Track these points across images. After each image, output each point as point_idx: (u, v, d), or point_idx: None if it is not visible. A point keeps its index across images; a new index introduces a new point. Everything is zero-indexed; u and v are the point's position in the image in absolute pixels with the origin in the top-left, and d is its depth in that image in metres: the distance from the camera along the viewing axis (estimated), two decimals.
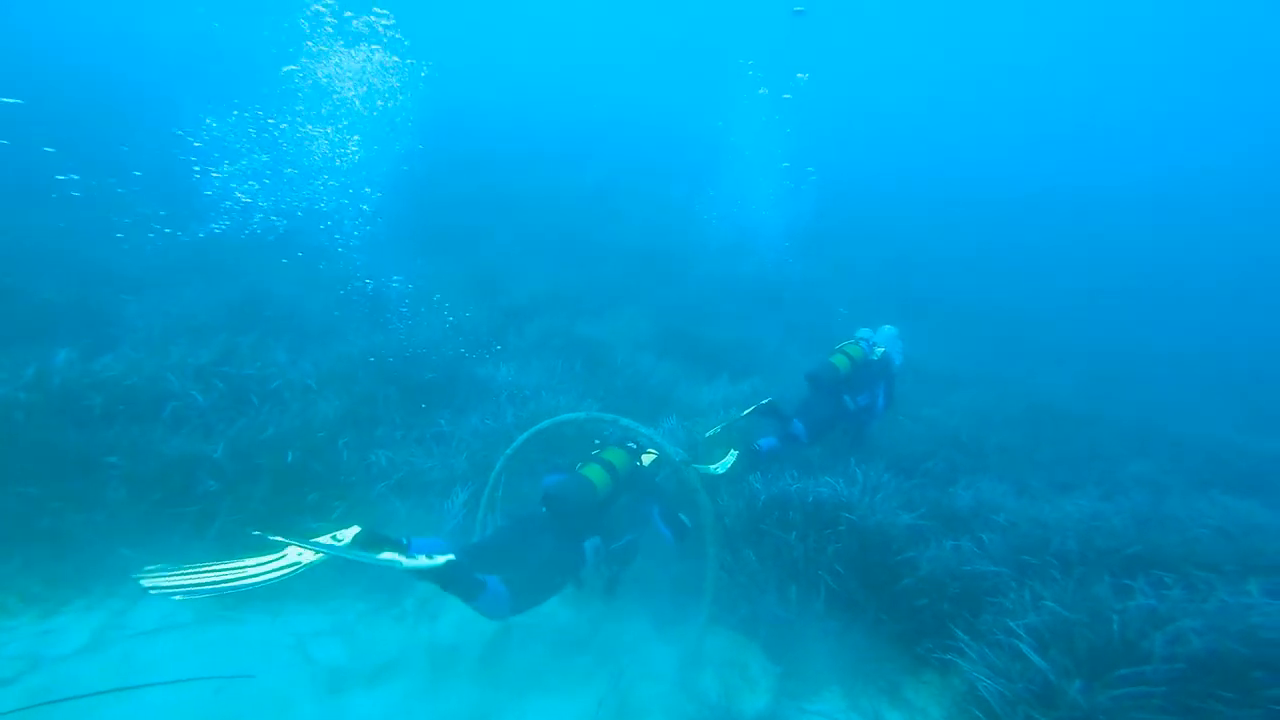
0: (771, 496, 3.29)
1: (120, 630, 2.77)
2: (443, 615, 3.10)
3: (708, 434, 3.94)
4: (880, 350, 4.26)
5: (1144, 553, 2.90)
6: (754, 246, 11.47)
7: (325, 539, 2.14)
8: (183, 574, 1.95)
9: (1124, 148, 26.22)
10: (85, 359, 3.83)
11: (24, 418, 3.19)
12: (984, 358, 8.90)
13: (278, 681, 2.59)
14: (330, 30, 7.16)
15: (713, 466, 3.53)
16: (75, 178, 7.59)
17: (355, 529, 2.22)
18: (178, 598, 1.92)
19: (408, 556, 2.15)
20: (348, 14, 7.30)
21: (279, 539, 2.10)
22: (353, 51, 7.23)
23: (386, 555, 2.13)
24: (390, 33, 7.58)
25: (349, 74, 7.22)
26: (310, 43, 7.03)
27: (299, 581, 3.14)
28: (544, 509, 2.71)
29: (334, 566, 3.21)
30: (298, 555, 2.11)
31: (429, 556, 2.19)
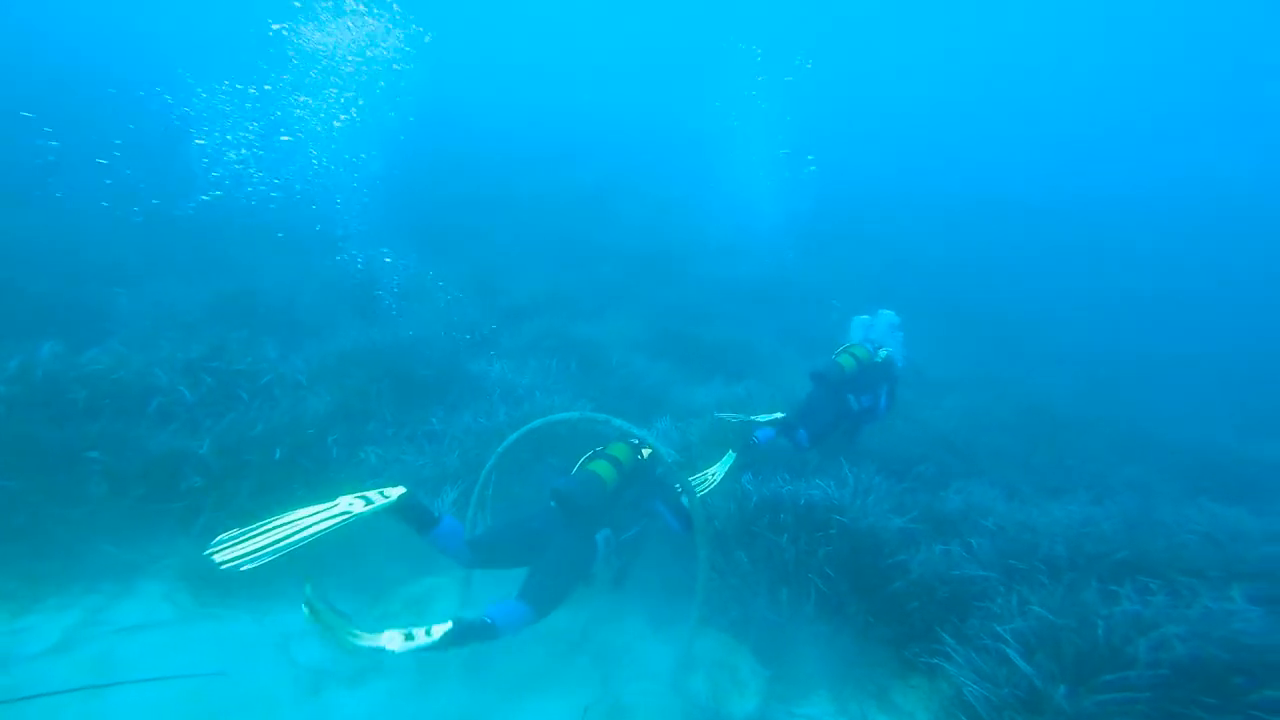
0: (763, 498, 3.29)
1: (98, 628, 2.72)
2: (430, 615, 3.07)
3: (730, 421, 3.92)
4: (885, 352, 4.34)
5: (1131, 558, 2.92)
6: (751, 247, 11.48)
7: (374, 494, 2.25)
8: (247, 538, 1.98)
9: (1123, 152, 26.40)
10: (72, 352, 3.78)
11: (4, 411, 3.14)
12: (980, 360, 8.95)
13: (260, 682, 2.55)
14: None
15: (709, 471, 3.54)
16: (54, 144, 7.35)
17: (401, 489, 2.35)
18: (246, 568, 1.92)
19: (432, 536, 2.39)
20: None
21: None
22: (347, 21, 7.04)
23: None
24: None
25: (341, 41, 7.02)
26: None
27: (283, 580, 3.14)
28: (554, 506, 2.76)
29: (322, 566, 3.22)
30: (349, 505, 2.18)
31: (445, 550, 2.45)
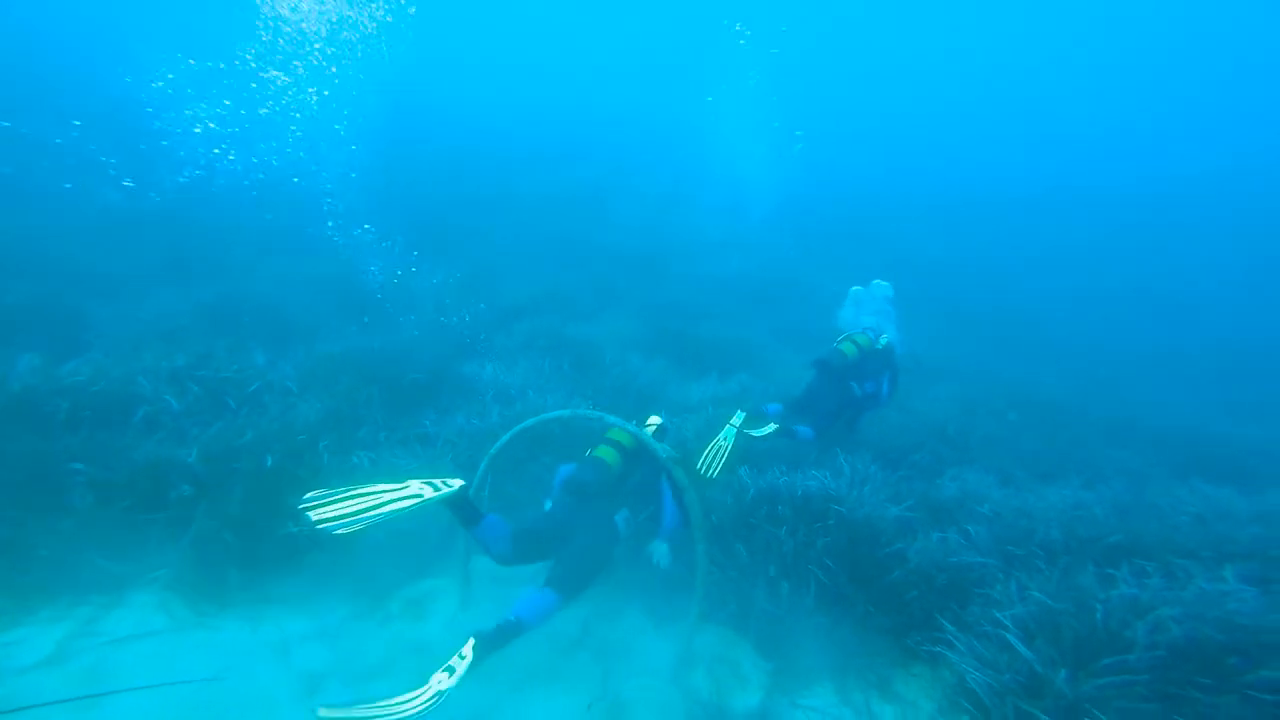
0: (760, 490, 3.28)
1: (91, 639, 2.67)
2: (430, 617, 3.05)
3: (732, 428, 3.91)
4: (885, 339, 4.39)
5: (1125, 541, 2.94)
6: (746, 240, 11.47)
7: (439, 482, 2.34)
8: (332, 502, 2.09)
9: (1117, 147, 26.63)
10: (50, 365, 3.69)
11: None
12: (973, 351, 9.02)
13: (258, 686, 2.52)
14: None
15: (718, 439, 3.65)
16: (6, 124, 7.11)
17: (460, 481, 2.44)
18: (339, 532, 2.03)
19: (478, 530, 2.51)
20: None
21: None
22: None
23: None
24: None
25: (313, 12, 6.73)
26: None
27: (280, 585, 3.11)
28: (568, 497, 2.88)
29: (318, 570, 3.18)
30: (419, 489, 2.25)
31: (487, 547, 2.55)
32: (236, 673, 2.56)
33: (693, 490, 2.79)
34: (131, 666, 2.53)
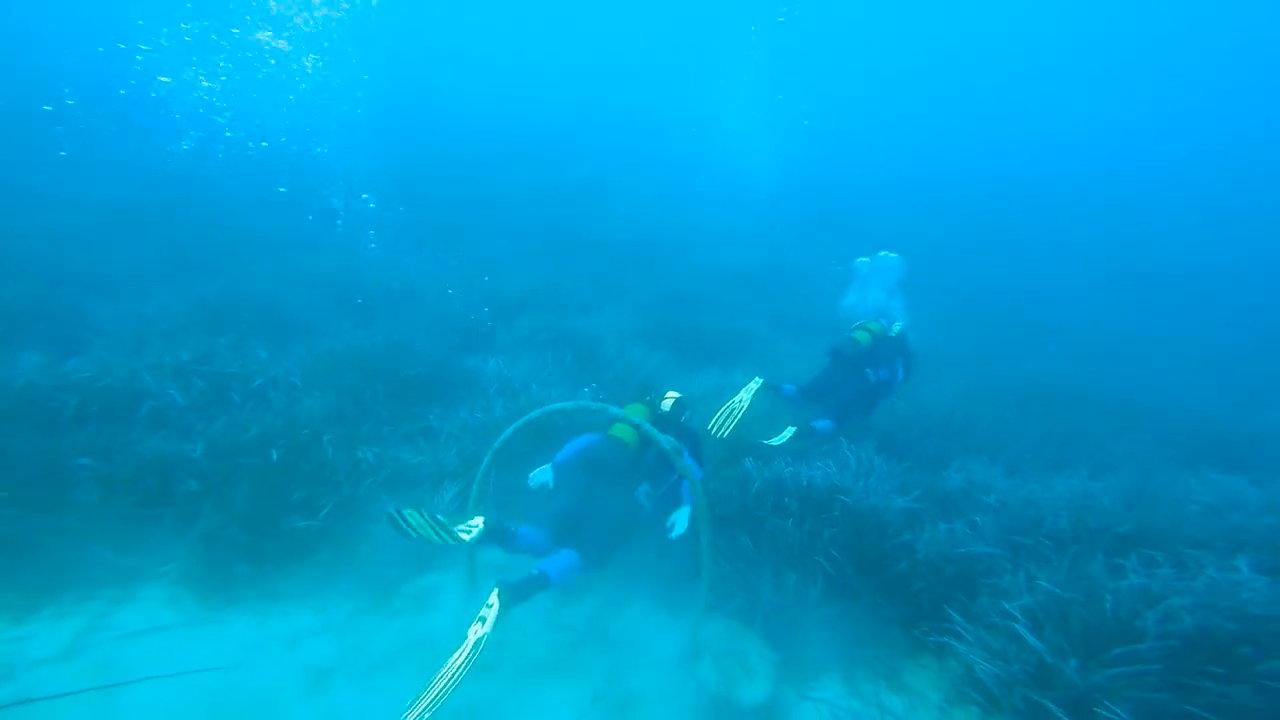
0: (766, 482, 3.27)
1: (102, 633, 2.69)
2: (436, 611, 3.05)
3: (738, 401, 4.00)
4: (898, 326, 4.42)
5: (1134, 531, 2.92)
6: (743, 235, 11.37)
7: (485, 610, 2.39)
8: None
9: (1119, 134, 26.29)
10: (53, 362, 3.69)
11: None
12: (977, 339, 8.95)
13: (268, 680, 2.54)
14: None
15: (737, 398, 3.73)
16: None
17: (478, 521, 2.61)
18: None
19: (517, 544, 2.71)
20: None
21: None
22: None
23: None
24: None
25: None
26: None
27: (287, 580, 3.12)
28: (586, 476, 2.97)
29: (324, 565, 3.19)
30: (476, 633, 2.34)
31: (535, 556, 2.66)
32: (246, 666, 2.58)
33: (698, 483, 2.78)
34: (143, 660, 2.55)
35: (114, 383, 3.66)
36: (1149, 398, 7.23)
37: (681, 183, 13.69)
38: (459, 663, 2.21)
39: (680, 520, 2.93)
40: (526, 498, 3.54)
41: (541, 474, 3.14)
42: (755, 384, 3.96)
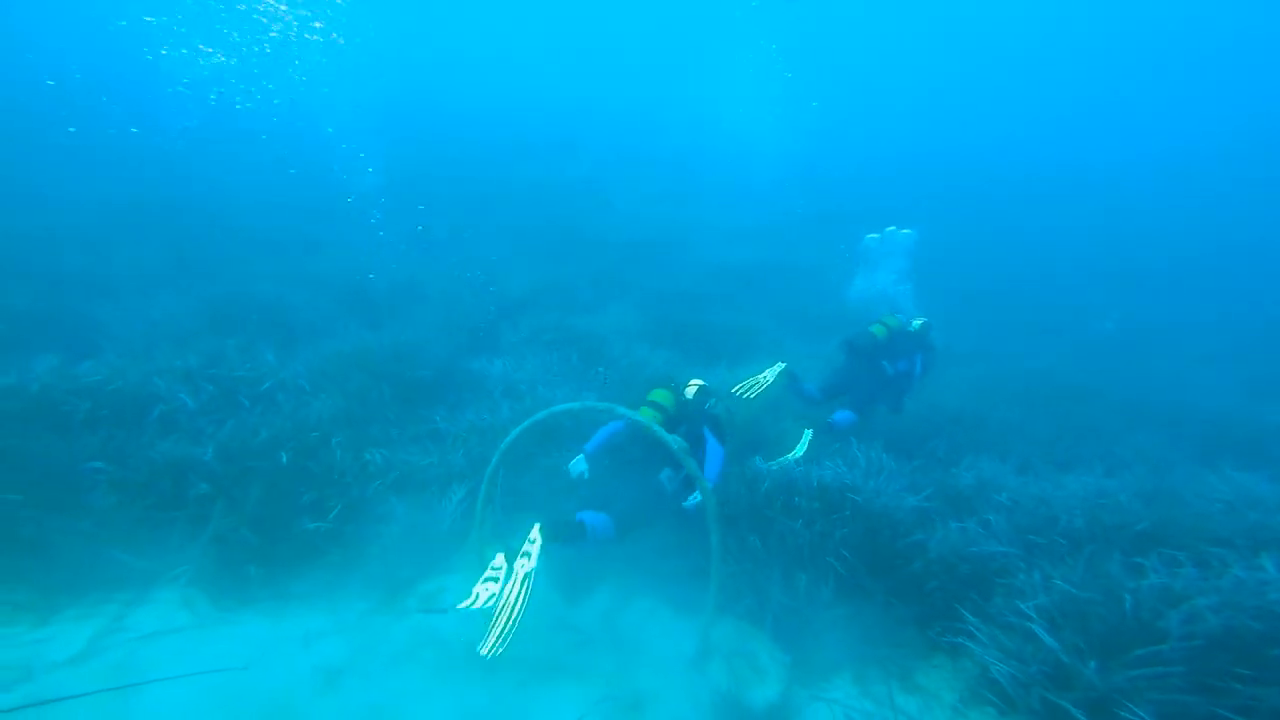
0: (775, 482, 3.24)
1: (118, 635, 2.72)
2: (446, 612, 3.05)
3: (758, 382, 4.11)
4: (919, 322, 4.37)
5: (1153, 529, 2.87)
6: (747, 230, 11.31)
7: (528, 545, 2.49)
8: (495, 622, 2.31)
9: (1126, 124, 25.96)
10: (66, 366, 3.73)
11: (2, 425, 3.10)
12: (985, 335, 8.86)
13: (281, 679, 2.55)
14: None
15: (791, 455, 3.74)
16: None
17: (536, 525, 2.59)
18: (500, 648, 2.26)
19: (590, 535, 2.68)
20: None
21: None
22: None
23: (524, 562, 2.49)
24: None
25: None
26: None
27: (299, 582, 3.14)
28: (611, 458, 3.11)
29: (335, 567, 3.21)
30: (524, 568, 2.45)
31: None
32: (260, 666, 2.59)
33: (705, 483, 2.76)
34: (159, 661, 2.57)
35: (125, 386, 3.70)
36: (1160, 393, 7.13)
37: (683, 179, 13.64)
38: (513, 595, 2.30)
39: (705, 493, 3.00)
40: (528, 498, 3.55)
41: (578, 464, 3.26)
42: (779, 366, 4.06)
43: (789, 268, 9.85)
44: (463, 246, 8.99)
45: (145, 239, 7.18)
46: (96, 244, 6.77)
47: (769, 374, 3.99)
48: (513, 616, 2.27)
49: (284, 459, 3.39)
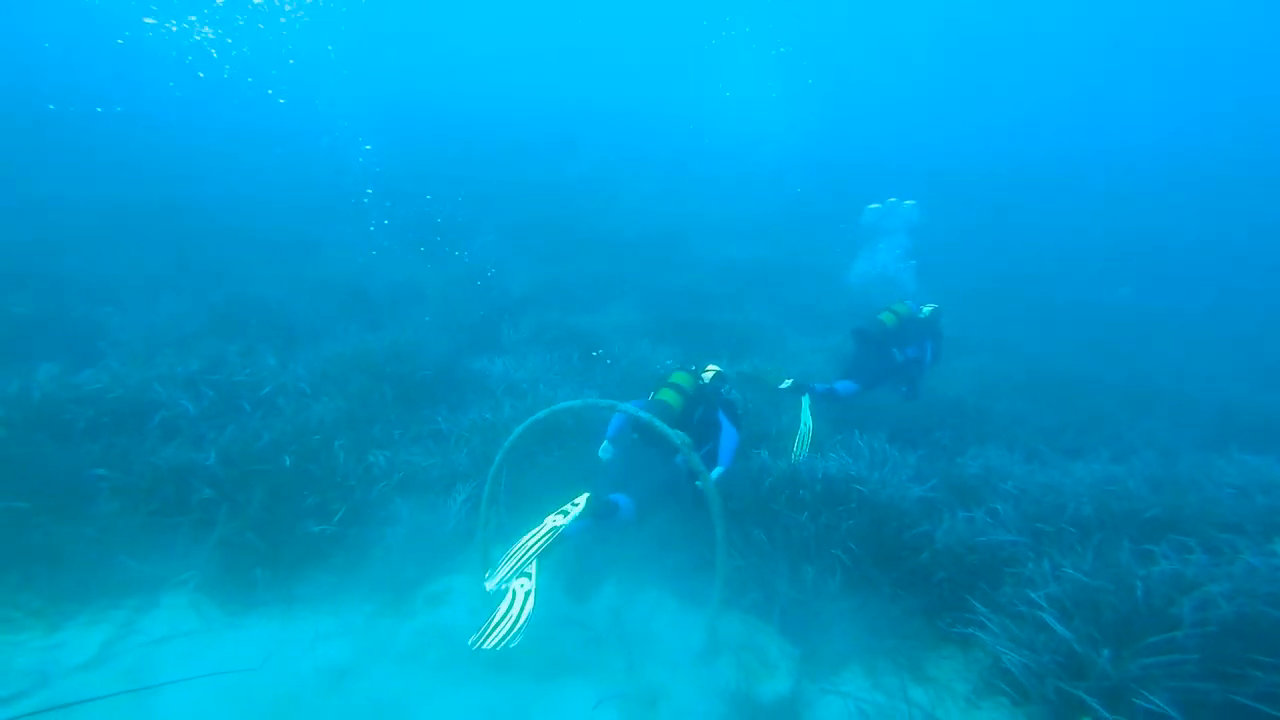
0: (780, 475, 3.23)
1: (129, 640, 2.73)
2: (452, 611, 3.05)
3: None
4: (929, 308, 4.40)
5: (1162, 515, 2.84)
6: (746, 228, 11.26)
7: (569, 507, 2.66)
8: (506, 562, 2.47)
9: (1125, 111, 25.75)
10: (67, 373, 3.73)
11: (5, 434, 3.10)
12: (989, 324, 8.81)
13: (290, 682, 2.55)
14: None
15: (799, 430, 3.83)
16: None
17: (586, 495, 2.77)
18: (509, 582, 2.42)
19: (621, 513, 2.86)
20: None
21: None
22: None
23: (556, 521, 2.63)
24: None
25: None
26: None
27: (305, 584, 3.14)
28: (630, 436, 3.19)
29: (341, 569, 3.20)
30: (554, 523, 2.59)
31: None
32: (269, 668, 2.59)
33: (708, 477, 2.74)
34: (170, 665, 2.59)
35: (126, 393, 3.69)
36: (1166, 380, 7.08)
37: (683, 176, 13.57)
38: (537, 538, 2.41)
39: (717, 474, 3.08)
40: (530, 498, 3.53)
41: (606, 449, 3.36)
42: (787, 383, 4.12)
43: (789, 264, 9.82)
44: (464, 245, 8.96)
45: (145, 240, 7.17)
46: (97, 246, 6.77)
47: (804, 419, 3.93)
48: (531, 550, 2.38)
49: (287, 462, 3.38)
